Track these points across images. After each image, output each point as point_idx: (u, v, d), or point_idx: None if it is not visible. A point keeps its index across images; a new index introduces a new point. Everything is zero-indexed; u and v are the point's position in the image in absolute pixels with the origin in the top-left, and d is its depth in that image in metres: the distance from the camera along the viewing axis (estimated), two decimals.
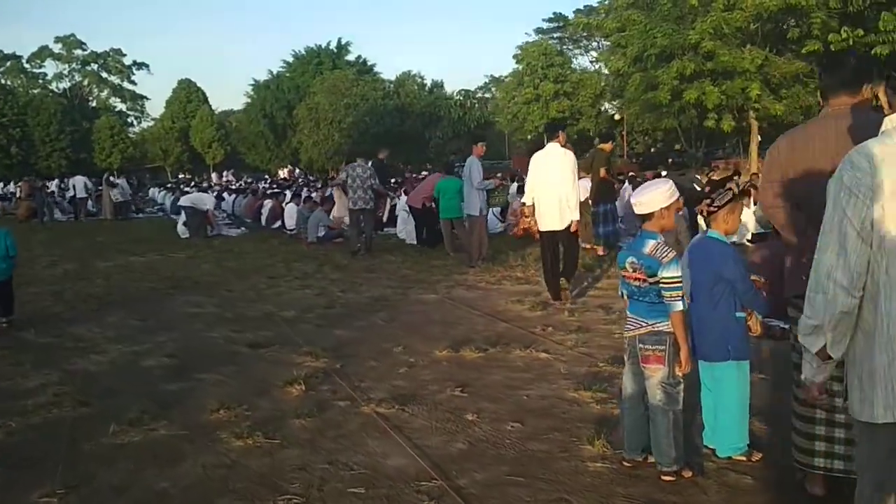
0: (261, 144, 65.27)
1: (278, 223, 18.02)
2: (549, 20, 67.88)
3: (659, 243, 3.37)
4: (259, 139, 64.66)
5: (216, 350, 6.37)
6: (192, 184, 42.23)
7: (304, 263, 11.55)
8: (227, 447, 4.13)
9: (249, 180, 49.16)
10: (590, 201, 11.34)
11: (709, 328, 3.56)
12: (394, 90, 58.60)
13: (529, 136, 52.18)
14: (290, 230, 16.49)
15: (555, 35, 62.39)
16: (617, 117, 47.47)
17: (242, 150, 67.08)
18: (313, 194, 19.26)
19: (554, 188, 7.88)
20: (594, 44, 67.92)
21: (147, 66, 69.57)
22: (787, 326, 5.77)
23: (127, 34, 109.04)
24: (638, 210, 3.47)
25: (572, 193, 7.93)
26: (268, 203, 19.61)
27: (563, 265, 8.18)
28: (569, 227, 7.93)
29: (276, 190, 24.51)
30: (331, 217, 15.07)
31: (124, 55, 68.25)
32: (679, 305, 3.31)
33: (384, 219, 16.46)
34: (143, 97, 70.71)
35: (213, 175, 58.93)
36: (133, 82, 69.67)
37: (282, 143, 64.73)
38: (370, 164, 13.12)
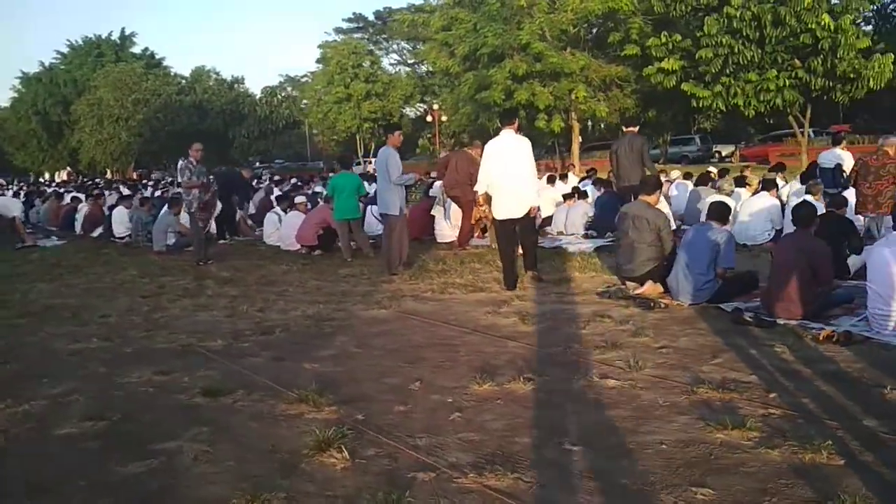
0: (32, 144, 58.30)
1: (99, 230, 15.38)
2: (350, 20, 67.06)
3: None
4: (30, 138, 57.68)
5: (158, 404, 4.61)
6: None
7: (174, 277, 9.55)
8: None
9: (21, 183, 43.32)
10: None
11: None
12: (189, 86, 54.58)
13: (339, 137, 50.86)
14: (122, 238, 14.06)
15: (355, 35, 61.51)
16: (429, 119, 47.34)
17: (10, 150, 59.43)
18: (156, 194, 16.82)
19: (511, 175, 7.53)
20: (394, 45, 68.17)
21: None
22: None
23: None
24: None
25: (531, 178, 7.72)
26: (82, 207, 16.78)
27: (524, 253, 7.89)
28: (528, 213, 7.60)
29: (76, 192, 21.33)
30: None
31: None
32: None
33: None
34: None
35: None
36: None
37: (58, 143, 58.18)
38: (182, 163, 10.42)
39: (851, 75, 21.14)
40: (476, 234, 11.39)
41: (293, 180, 23.60)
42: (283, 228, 11.95)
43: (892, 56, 20.91)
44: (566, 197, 12.23)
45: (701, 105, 23.68)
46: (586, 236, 11.35)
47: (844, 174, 11.62)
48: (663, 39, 24.31)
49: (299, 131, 65.74)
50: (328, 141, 53.99)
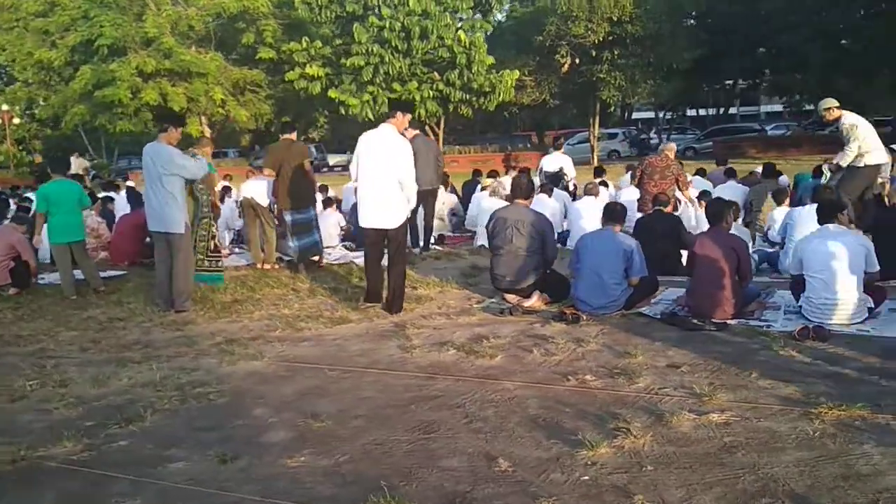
0: None
1: None
2: None
3: None
4: None
5: None
6: None
7: None
8: None
9: None
10: (275, 207, 8.91)
11: None
12: None
13: None
14: None
15: None
16: None
17: None
18: None
19: (384, 177, 6.29)
20: None
21: None
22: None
23: None
24: None
25: (404, 186, 6.36)
26: None
27: (389, 292, 6.47)
28: (401, 226, 6.41)
29: None
30: None
31: None
32: None
33: None
34: None
35: None
36: None
37: None
38: None
39: (487, 89, 23.02)
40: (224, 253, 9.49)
41: None
42: None
43: (518, 73, 23.32)
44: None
45: (350, 113, 23.62)
46: (349, 248, 10.24)
47: (565, 177, 12.37)
48: (304, 45, 23.69)
49: None
50: None
